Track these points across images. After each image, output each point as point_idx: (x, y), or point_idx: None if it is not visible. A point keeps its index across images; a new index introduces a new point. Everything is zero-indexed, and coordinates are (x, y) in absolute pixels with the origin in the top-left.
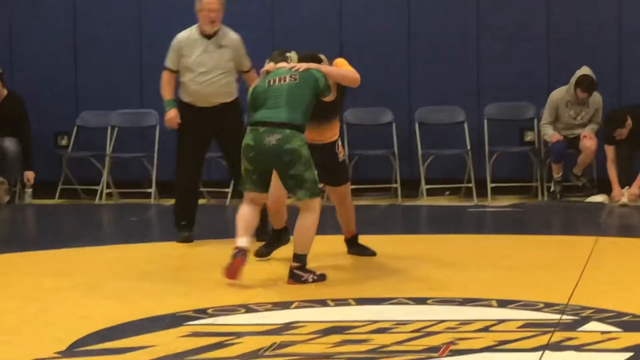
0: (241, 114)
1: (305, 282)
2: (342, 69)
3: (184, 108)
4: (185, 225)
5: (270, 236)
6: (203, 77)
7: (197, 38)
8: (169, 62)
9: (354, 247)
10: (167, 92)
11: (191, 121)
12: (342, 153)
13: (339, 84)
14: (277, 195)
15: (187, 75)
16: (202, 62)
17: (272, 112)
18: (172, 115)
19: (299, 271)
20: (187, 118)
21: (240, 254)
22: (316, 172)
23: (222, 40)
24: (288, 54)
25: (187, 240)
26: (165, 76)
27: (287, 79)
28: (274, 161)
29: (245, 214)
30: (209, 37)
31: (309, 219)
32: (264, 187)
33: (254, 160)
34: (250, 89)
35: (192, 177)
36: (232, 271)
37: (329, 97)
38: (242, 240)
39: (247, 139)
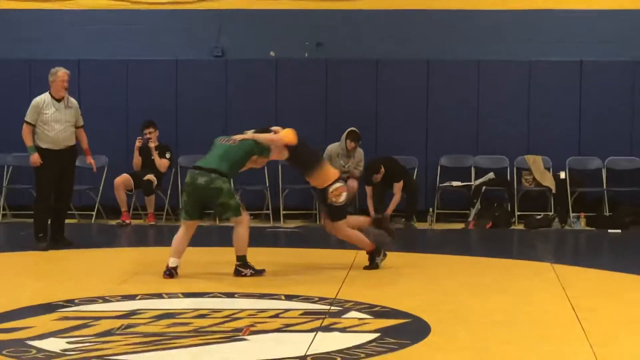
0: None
1: (245, 276)
2: (263, 136)
3: (42, 152)
4: (43, 237)
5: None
6: (58, 127)
7: (51, 101)
8: (30, 118)
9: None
10: (29, 139)
11: (48, 161)
12: (337, 197)
13: (290, 151)
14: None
15: (45, 127)
16: (57, 118)
17: (206, 161)
18: (36, 157)
19: (240, 268)
20: (45, 159)
21: (168, 273)
22: (238, 199)
23: (68, 103)
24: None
25: (44, 249)
26: (26, 128)
27: (230, 142)
28: (203, 192)
29: (179, 237)
30: (59, 100)
31: (240, 229)
32: (196, 216)
33: (189, 193)
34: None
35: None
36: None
37: (278, 157)
38: (172, 261)
39: (187, 178)
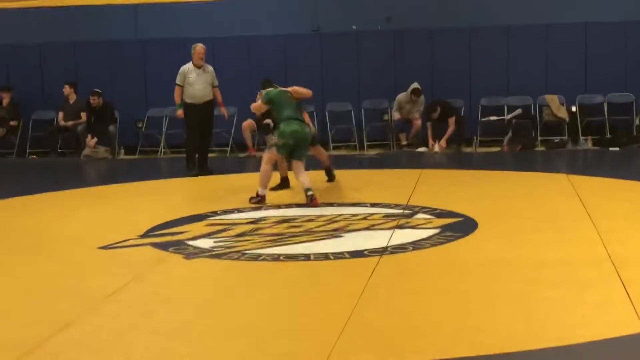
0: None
1: (315, 204)
2: (303, 90)
3: (188, 105)
4: (192, 167)
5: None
6: (198, 87)
7: (193, 68)
8: (179, 80)
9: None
10: (178, 98)
11: (192, 112)
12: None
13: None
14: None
15: (189, 87)
16: (197, 80)
17: (295, 114)
18: (180, 112)
19: (311, 193)
20: (190, 110)
21: (258, 199)
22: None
23: (206, 69)
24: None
25: (193, 175)
26: (177, 89)
27: (288, 94)
28: (304, 139)
29: (269, 171)
30: (199, 67)
31: (302, 166)
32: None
33: (296, 138)
34: (267, 94)
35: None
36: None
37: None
38: (261, 190)
39: (293, 126)
